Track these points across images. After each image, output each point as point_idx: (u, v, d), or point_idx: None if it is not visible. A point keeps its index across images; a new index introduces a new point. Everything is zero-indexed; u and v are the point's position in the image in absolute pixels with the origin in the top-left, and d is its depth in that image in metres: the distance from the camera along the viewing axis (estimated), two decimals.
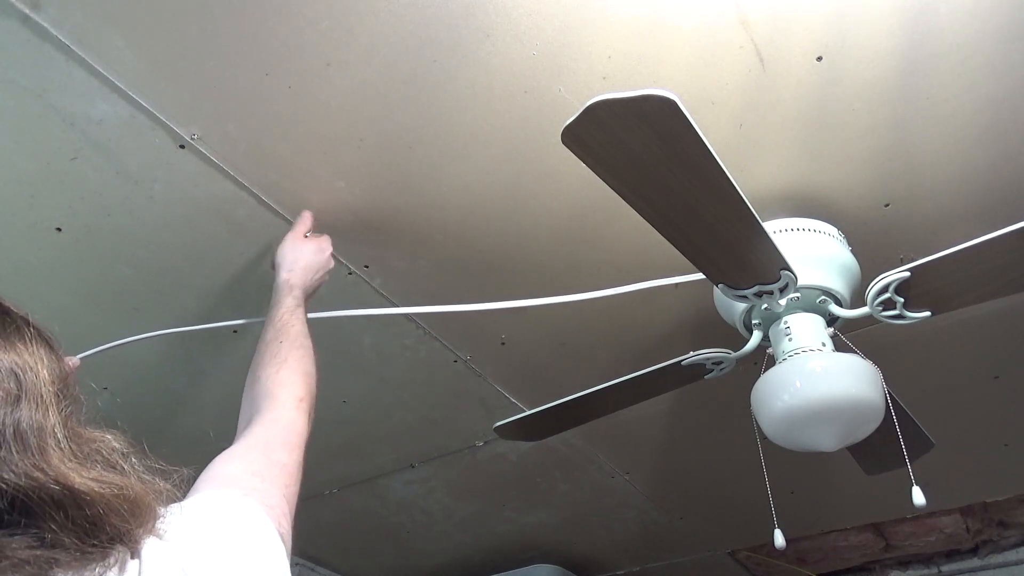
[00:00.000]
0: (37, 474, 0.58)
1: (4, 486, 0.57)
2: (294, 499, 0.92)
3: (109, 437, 0.67)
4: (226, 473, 0.87)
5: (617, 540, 2.65)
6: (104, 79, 1.17)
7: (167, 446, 0.68)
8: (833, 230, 1.41)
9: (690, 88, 1.23)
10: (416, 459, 2.17)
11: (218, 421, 1.86)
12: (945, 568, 2.82)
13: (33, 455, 0.59)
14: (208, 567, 0.68)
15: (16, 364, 0.62)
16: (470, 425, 2.01)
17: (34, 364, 0.64)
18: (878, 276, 1.23)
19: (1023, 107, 1.26)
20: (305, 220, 1.39)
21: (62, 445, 0.62)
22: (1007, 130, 1.30)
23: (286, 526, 0.83)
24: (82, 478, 0.60)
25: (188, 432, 1.90)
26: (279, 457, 0.96)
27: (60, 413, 0.63)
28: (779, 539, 1.34)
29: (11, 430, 0.59)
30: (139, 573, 0.63)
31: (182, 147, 1.28)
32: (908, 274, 1.21)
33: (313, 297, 1.36)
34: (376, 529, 2.53)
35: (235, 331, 1.61)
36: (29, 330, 0.66)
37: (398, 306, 1.63)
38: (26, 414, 0.60)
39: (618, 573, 2.88)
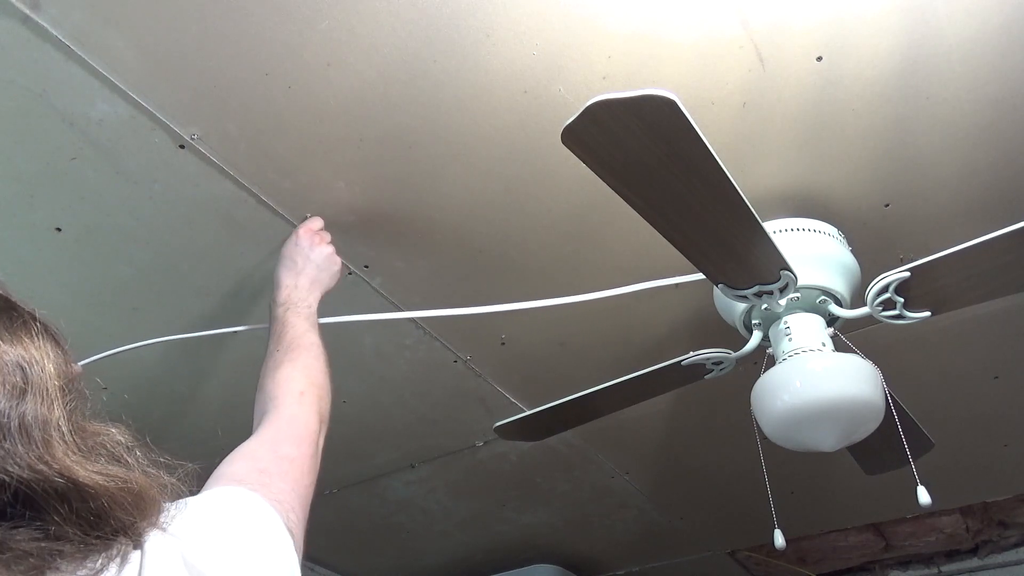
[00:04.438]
0: (41, 467, 0.58)
1: (8, 479, 0.57)
2: (307, 492, 0.92)
3: (114, 431, 0.67)
4: (233, 472, 0.87)
5: (617, 540, 2.65)
6: (104, 79, 1.17)
7: (167, 444, 0.68)
8: (833, 230, 1.41)
9: (690, 88, 1.23)
10: (416, 459, 2.17)
11: (218, 420, 1.88)
12: (945, 568, 2.82)
13: (38, 448, 0.59)
14: (210, 557, 0.68)
15: (22, 358, 0.63)
16: (470, 425, 2.01)
17: (40, 358, 0.64)
18: (878, 276, 1.23)
19: (1023, 107, 1.26)
20: (304, 227, 1.39)
21: (66, 438, 0.62)
22: (1007, 130, 1.30)
23: (295, 519, 0.83)
24: (86, 471, 0.61)
25: (188, 432, 1.90)
26: (287, 452, 0.96)
27: (65, 407, 0.64)
28: (779, 539, 1.34)
29: (16, 423, 0.59)
30: (141, 564, 0.63)
31: (182, 147, 1.28)
32: (908, 274, 1.20)
33: (326, 291, 1.37)
34: (376, 529, 2.53)
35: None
36: (35, 325, 0.67)
37: (398, 305, 1.63)
38: (31, 407, 0.61)
39: (618, 573, 2.88)
